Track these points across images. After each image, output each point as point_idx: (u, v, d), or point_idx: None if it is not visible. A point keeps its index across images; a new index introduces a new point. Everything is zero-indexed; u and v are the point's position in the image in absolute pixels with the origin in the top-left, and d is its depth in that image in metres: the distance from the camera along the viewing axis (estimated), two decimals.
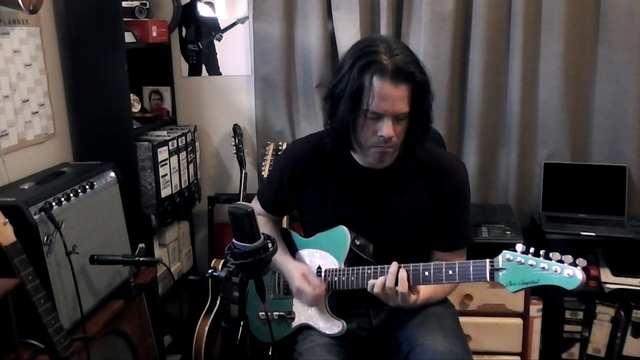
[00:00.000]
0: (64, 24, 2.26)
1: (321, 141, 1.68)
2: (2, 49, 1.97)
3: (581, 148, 2.58)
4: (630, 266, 2.39)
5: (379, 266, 1.59)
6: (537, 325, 2.42)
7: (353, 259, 1.66)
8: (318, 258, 1.73)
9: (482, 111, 2.57)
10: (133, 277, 2.11)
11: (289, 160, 1.76)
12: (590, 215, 2.48)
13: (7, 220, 1.57)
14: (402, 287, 1.49)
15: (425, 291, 1.60)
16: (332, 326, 1.66)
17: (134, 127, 2.39)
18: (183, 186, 2.60)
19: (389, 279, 1.51)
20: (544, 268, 1.35)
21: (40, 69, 2.16)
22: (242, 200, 2.48)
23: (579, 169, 2.53)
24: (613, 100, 2.49)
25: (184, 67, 2.82)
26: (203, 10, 2.75)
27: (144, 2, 2.55)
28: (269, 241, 1.32)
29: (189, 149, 2.64)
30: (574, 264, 1.33)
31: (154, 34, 2.52)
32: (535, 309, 2.40)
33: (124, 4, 2.37)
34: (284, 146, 2.59)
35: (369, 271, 1.60)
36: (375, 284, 1.53)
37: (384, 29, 2.53)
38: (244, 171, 2.68)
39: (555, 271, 1.33)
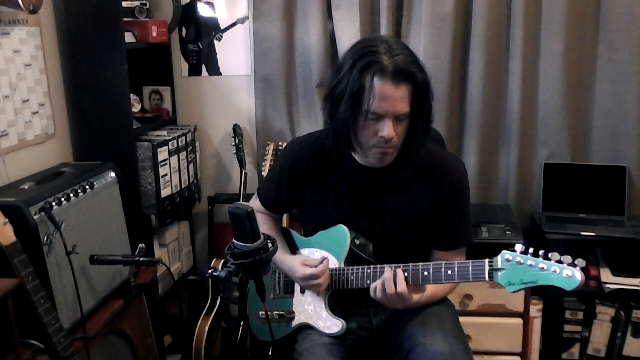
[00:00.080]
0: (64, 24, 2.26)
1: (321, 140, 1.68)
2: (2, 49, 1.97)
3: (581, 148, 2.58)
4: (630, 266, 2.39)
5: (378, 266, 1.60)
6: (537, 325, 2.42)
7: (353, 258, 1.66)
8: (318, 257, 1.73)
9: (482, 111, 2.57)
10: (133, 277, 2.11)
11: (288, 159, 1.76)
12: (590, 215, 2.48)
13: (7, 220, 1.57)
14: (400, 287, 1.49)
15: (427, 289, 1.60)
16: (331, 326, 1.66)
17: (134, 127, 2.38)
18: (183, 186, 2.60)
19: (388, 285, 1.50)
20: (542, 268, 1.35)
21: (40, 69, 2.16)
22: (242, 200, 2.48)
23: (579, 169, 2.53)
24: (613, 100, 2.49)
25: (184, 67, 2.82)
26: (203, 10, 2.75)
27: (144, 2, 2.55)
28: (269, 241, 1.32)
29: (189, 149, 2.64)
30: (573, 265, 1.33)
31: (154, 34, 2.52)
32: (535, 309, 2.40)
33: (124, 4, 2.38)
34: (284, 146, 2.59)
35: (369, 271, 1.60)
36: (376, 290, 1.53)
37: (384, 29, 2.53)
38: (244, 171, 2.68)
39: (554, 271, 1.33)
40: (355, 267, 1.63)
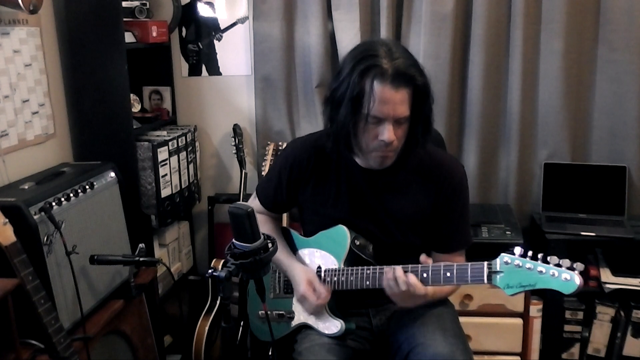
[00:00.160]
0: (64, 24, 2.26)
1: (321, 141, 1.68)
2: (2, 49, 1.97)
3: (581, 148, 2.58)
4: (630, 266, 2.39)
5: (378, 267, 1.60)
6: (537, 325, 2.42)
7: (353, 259, 1.66)
8: (318, 257, 1.73)
9: (482, 111, 2.57)
10: (133, 277, 2.11)
11: (288, 159, 1.76)
12: (590, 215, 2.48)
13: (7, 220, 1.57)
14: (418, 290, 1.49)
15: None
16: (330, 326, 1.66)
17: (134, 127, 2.38)
18: (183, 186, 2.60)
19: (401, 282, 1.50)
20: (541, 272, 1.35)
21: (40, 69, 2.16)
22: (242, 200, 2.48)
23: (579, 169, 2.53)
24: (613, 100, 2.49)
25: (184, 67, 2.82)
26: (203, 10, 2.75)
27: (144, 2, 2.55)
28: (269, 241, 1.32)
29: (189, 149, 2.64)
30: (572, 268, 1.33)
31: (154, 34, 2.52)
32: (535, 309, 2.40)
33: (124, 4, 2.37)
34: (284, 146, 2.59)
35: (369, 271, 1.60)
36: (391, 290, 1.53)
37: (384, 29, 2.53)
38: (244, 171, 2.68)
39: (553, 275, 1.33)
40: (355, 267, 1.63)
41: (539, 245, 2.35)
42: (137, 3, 2.50)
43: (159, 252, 2.58)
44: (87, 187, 1.96)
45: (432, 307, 1.69)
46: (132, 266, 2.08)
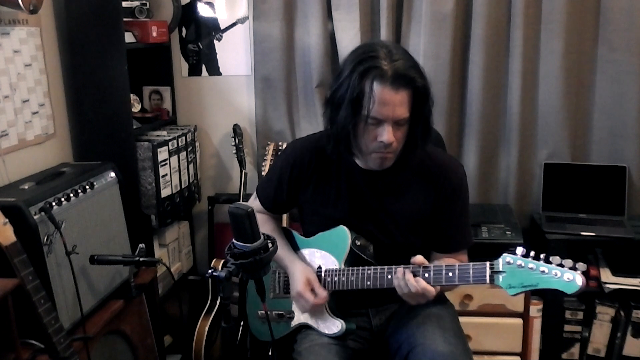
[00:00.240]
0: (64, 24, 2.26)
1: (321, 141, 1.68)
2: (2, 49, 1.97)
3: (581, 148, 2.58)
4: (630, 266, 2.39)
5: (379, 267, 1.60)
6: (537, 325, 2.42)
7: (353, 259, 1.66)
8: (318, 258, 1.73)
9: (482, 111, 2.57)
10: (133, 277, 2.11)
11: (289, 160, 1.76)
12: (590, 215, 2.48)
13: (7, 220, 1.57)
14: (429, 292, 1.49)
15: None
16: (330, 326, 1.66)
17: (134, 127, 2.39)
18: (183, 186, 2.60)
19: (411, 284, 1.50)
20: (543, 272, 1.35)
21: (40, 69, 2.16)
22: (242, 200, 2.48)
23: (579, 169, 2.53)
24: (613, 100, 2.49)
25: (184, 67, 2.82)
26: (203, 10, 2.75)
27: (144, 2, 2.55)
28: (269, 241, 1.32)
29: (189, 149, 2.64)
30: (574, 268, 1.33)
31: (154, 34, 2.52)
32: (535, 309, 2.40)
33: (124, 4, 2.37)
34: (284, 146, 2.59)
35: (369, 272, 1.60)
36: (401, 289, 1.53)
37: (384, 29, 2.53)
38: (244, 171, 2.68)
39: (555, 275, 1.33)
40: (355, 268, 1.63)
41: (539, 245, 2.35)
42: (137, 3, 2.50)
43: (159, 252, 2.58)
44: (87, 187, 1.96)
45: (432, 307, 1.69)
46: (132, 266, 2.08)
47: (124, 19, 2.32)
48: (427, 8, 2.48)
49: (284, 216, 2.42)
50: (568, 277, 1.31)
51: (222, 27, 2.77)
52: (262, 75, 2.71)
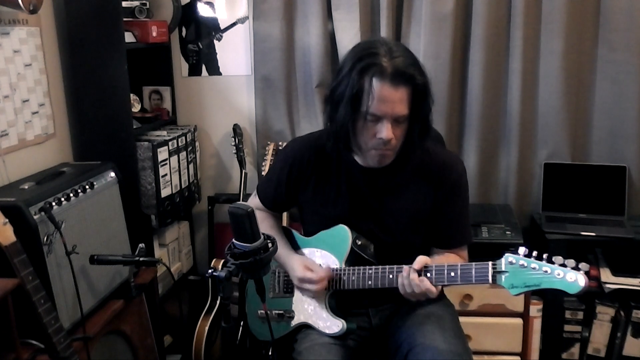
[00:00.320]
0: (64, 24, 2.26)
1: (321, 140, 1.68)
2: (2, 49, 1.97)
3: (581, 148, 2.59)
4: (630, 266, 2.39)
5: (380, 267, 1.60)
6: (537, 325, 2.42)
7: (354, 258, 1.66)
8: (319, 257, 1.73)
9: (482, 111, 2.57)
10: (133, 277, 2.11)
11: (288, 158, 1.76)
12: (590, 215, 2.48)
13: (7, 220, 1.57)
14: (431, 293, 1.49)
15: None
16: (331, 326, 1.66)
17: (134, 127, 2.39)
18: (183, 186, 2.60)
19: (416, 284, 1.49)
20: (546, 272, 1.34)
21: (40, 69, 2.16)
22: (242, 200, 2.48)
23: (579, 169, 2.53)
24: (613, 100, 2.49)
25: (184, 67, 2.82)
26: (203, 10, 2.75)
27: (144, 2, 2.55)
28: (269, 241, 1.32)
29: (189, 149, 2.64)
30: (577, 268, 1.32)
31: (154, 34, 2.52)
32: (535, 309, 2.40)
33: (124, 4, 2.37)
34: (284, 145, 2.59)
35: (370, 271, 1.60)
36: (404, 289, 1.53)
37: (384, 29, 2.53)
38: (244, 171, 2.68)
39: (558, 275, 1.33)
40: (356, 267, 1.63)
41: (539, 245, 2.33)
42: (137, 3, 2.50)
43: (159, 252, 2.58)
44: (87, 187, 1.96)
45: (432, 306, 1.69)
46: (132, 266, 2.08)
47: (124, 19, 2.32)
48: (427, 8, 2.48)
49: (284, 215, 2.42)
50: (571, 277, 1.31)
51: (222, 27, 2.77)
52: (262, 75, 2.71)
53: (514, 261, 1.40)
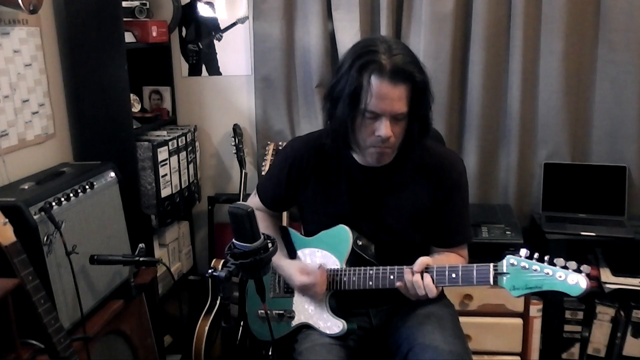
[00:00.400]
0: (64, 24, 2.26)
1: (321, 140, 1.68)
2: (2, 49, 1.97)
3: (581, 148, 2.59)
4: (630, 266, 2.39)
5: (380, 267, 1.59)
6: (537, 325, 2.42)
7: (355, 259, 1.66)
8: (319, 257, 1.72)
9: (482, 111, 2.57)
10: (133, 277, 2.11)
11: (288, 158, 1.76)
12: (590, 215, 2.48)
13: (7, 220, 1.57)
14: (432, 293, 1.49)
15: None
16: (332, 326, 1.66)
17: (134, 127, 2.38)
18: (183, 186, 2.60)
19: (418, 287, 1.49)
20: (548, 274, 1.34)
21: (40, 69, 2.16)
22: (242, 200, 2.48)
23: (579, 169, 2.53)
24: (613, 100, 2.49)
25: (184, 67, 2.82)
26: (203, 10, 2.75)
27: (144, 2, 2.55)
28: (269, 241, 1.32)
29: (189, 149, 2.64)
30: (578, 271, 1.32)
31: (154, 34, 2.52)
32: (535, 309, 2.40)
33: (124, 4, 2.37)
34: (284, 145, 2.59)
35: (371, 272, 1.60)
36: (409, 292, 1.53)
37: (384, 29, 2.53)
38: (244, 171, 2.68)
39: (560, 277, 1.32)
40: (357, 268, 1.63)
41: (539, 245, 2.35)
42: (137, 3, 2.50)
43: (159, 252, 2.58)
44: (87, 187, 1.96)
45: (432, 307, 1.69)
46: (132, 266, 2.07)
47: (124, 19, 2.32)
48: (427, 8, 2.48)
49: (284, 215, 2.42)
50: (572, 279, 1.31)
51: (222, 27, 2.77)
52: (262, 75, 2.71)
53: (515, 263, 1.39)
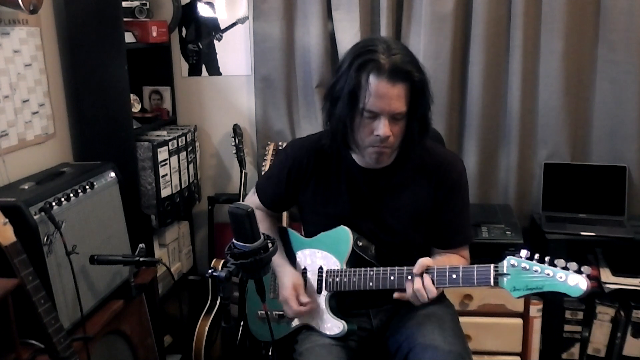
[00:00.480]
0: (64, 24, 2.26)
1: (320, 141, 1.68)
2: (2, 49, 1.97)
3: (581, 148, 2.59)
4: (630, 266, 2.39)
5: (381, 268, 1.59)
6: (537, 325, 2.42)
7: (355, 260, 1.66)
8: (320, 258, 1.72)
9: (482, 111, 2.57)
10: (133, 277, 2.11)
11: (288, 159, 1.76)
12: (590, 215, 2.48)
13: (7, 220, 1.57)
14: (432, 293, 1.48)
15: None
16: (332, 327, 1.66)
17: (134, 127, 2.38)
18: (183, 186, 2.60)
19: (421, 294, 1.49)
20: (548, 275, 1.34)
21: (40, 69, 2.16)
22: (242, 200, 2.48)
23: (579, 169, 2.53)
24: (613, 100, 2.49)
25: (184, 67, 2.82)
26: (203, 10, 2.75)
27: (144, 2, 2.55)
28: (269, 241, 1.32)
29: (189, 149, 2.64)
30: (579, 272, 1.32)
31: (154, 34, 2.52)
32: (535, 309, 2.40)
33: (124, 4, 2.37)
34: (284, 145, 2.59)
35: (372, 273, 1.60)
36: (411, 298, 1.53)
37: (384, 29, 2.53)
38: (244, 171, 2.68)
39: (560, 278, 1.32)
40: (357, 268, 1.63)
41: (539, 245, 2.35)
42: (137, 3, 2.50)
43: (159, 252, 2.58)
44: (87, 187, 1.96)
45: (432, 307, 1.69)
46: (132, 266, 2.07)
47: (124, 19, 2.32)
48: (427, 8, 2.48)
49: (284, 215, 2.42)
50: (573, 280, 1.31)
51: (222, 27, 2.76)
52: (262, 75, 2.71)
53: (515, 264, 1.39)
